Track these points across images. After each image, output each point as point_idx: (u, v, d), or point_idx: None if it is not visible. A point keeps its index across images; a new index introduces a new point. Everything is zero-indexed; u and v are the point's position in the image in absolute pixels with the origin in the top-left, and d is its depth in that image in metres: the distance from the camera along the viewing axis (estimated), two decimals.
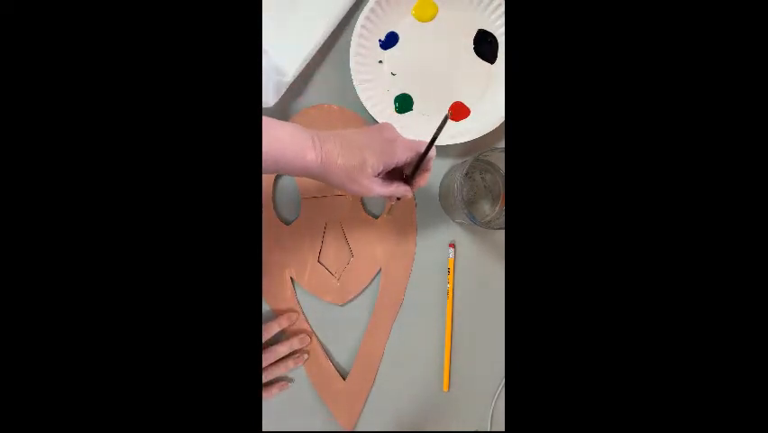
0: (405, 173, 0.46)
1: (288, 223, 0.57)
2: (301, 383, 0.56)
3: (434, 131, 0.41)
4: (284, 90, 0.54)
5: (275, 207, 0.57)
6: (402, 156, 0.43)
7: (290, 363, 0.55)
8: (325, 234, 0.56)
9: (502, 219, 0.51)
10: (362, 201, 0.57)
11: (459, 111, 0.57)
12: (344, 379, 0.56)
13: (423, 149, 0.43)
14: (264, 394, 0.54)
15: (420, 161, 0.43)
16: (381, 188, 0.43)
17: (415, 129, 0.54)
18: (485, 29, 0.57)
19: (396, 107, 0.56)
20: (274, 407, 0.56)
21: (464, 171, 0.47)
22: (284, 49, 0.53)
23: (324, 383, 0.56)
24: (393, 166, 0.43)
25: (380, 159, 0.42)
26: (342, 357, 0.57)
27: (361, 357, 0.56)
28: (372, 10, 0.54)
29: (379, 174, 0.43)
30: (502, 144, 0.57)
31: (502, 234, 0.57)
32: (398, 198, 0.49)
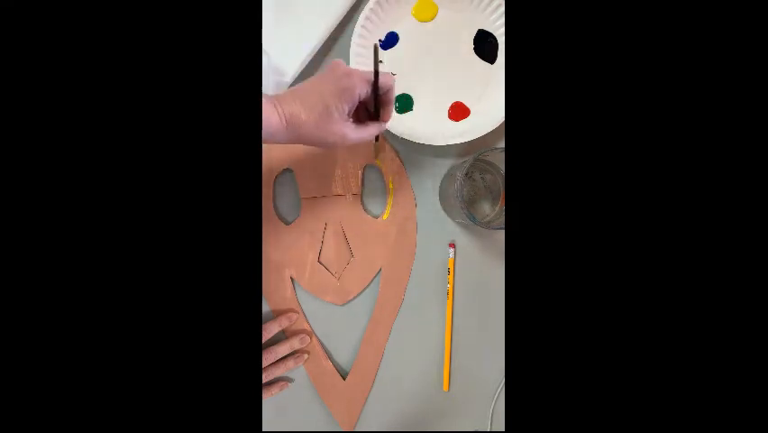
0: (369, 110, 0.46)
1: (287, 223, 0.57)
2: (301, 383, 0.56)
3: (373, 59, 0.41)
4: (284, 90, 0.54)
5: (275, 207, 0.57)
6: (362, 87, 0.42)
7: (290, 363, 0.55)
8: (325, 234, 0.56)
9: (502, 219, 0.51)
10: (362, 201, 0.57)
11: (459, 111, 0.57)
12: (344, 379, 0.56)
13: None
14: (264, 394, 0.54)
15: (375, 92, 0.43)
16: (356, 133, 0.43)
17: (415, 129, 0.54)
18: (485, 29, 0.57)
19: (396, 107, 0.56)
20: (274, 407, 0.56)
21: (464, 171, 0.47)
22: (284, 49, 0.53)
23: (324, 383, 0.56)
24: (356, 101, 0.42)
25: (341, 98, 0.41)
26: (342, 357, 0.57)
27: (361, 357, 0.56)
28: (372, 10, 0.54)
29: (348, 115, 0.42)
30: (502, 144, 0.57)
31: (502, 234, 0.57)
32: (376, 139, 0.49)
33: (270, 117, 0.40)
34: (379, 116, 0.46)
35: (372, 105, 0.45)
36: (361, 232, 0.56)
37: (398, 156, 0.57)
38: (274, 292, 0.56)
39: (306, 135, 0.42)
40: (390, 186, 0.56)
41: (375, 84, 0.42)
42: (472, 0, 0.56)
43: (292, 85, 0.55)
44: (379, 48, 0.40)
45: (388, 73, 0.44)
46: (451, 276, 0.56)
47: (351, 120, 0.43)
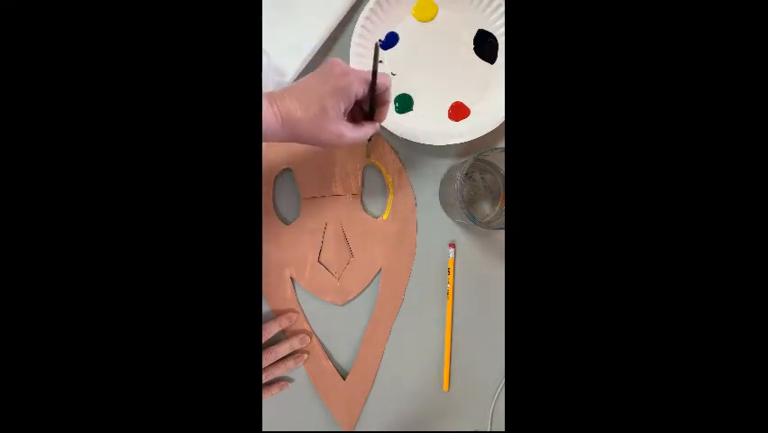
0: (364, 109, 0.45)
1: (287, 223, 0.57)
2: (301, 383, 0.56)
3: (372, 60, 0.41)
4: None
5: (275, 207, 0.57)
6: (359, 87, 0.42)
7: (290, 363, 0.55)
8: (325, 234, 0.56)
9: (502, 219, 0.51)
10: (362, 201, 0.57)
11: (459, 111, 0.57)
12: (344, 379, 0.56)
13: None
14: (264, 394, 0.54)
15: (372, 92, 0.43)
16: (352, 132, 0.43)
17: (415, 129, 0.54)
18: (485, 29, 0.57)
19: (396, 107, 0.56)
20: (274, 407, 0.56)
21: (464, 171, 0.47)
22: (284, 49, 0.53)
23: (324, 383, 0.56)
24: (353, 100, 0.42)
25: (338, 97, 0.41)
26: (342, 357, 0.57)
27: (361, 357, 0.56)
28: (372, 10, 0.54)
29: (344, 114, 0.42)
30: (502, 144, 0.57)
31: (502, 234, 0.57)
32: (370, 139, 0.48)
33: (266, 115, 0.40)
34: (374, 116, 0.45)
35: (365, 104, 0.45)
36: (361, 232, 0.56)
37: (398, 156, 0.57)
38: (274, 292, 0.56)
39: (302, 133, 0.41)
40: (390, 186, 0.57)
41: (372, 84, 0.42)
42: (472, 0, 0.56)
43: None
44: (380, 48, 0.40)
45: (385, 74, 0.43)
46: (451, 276, 0.56)
47: (346, 119, 0.43)
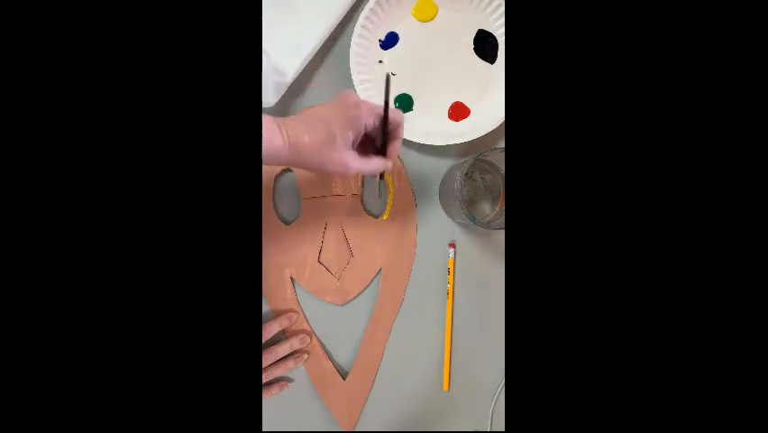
0: (377, 145, 0.45)
1: (287, 223, 0.57)
2: (301, 383, 0.56)
3: (384, 93, 0.40)
4: (284, 90, 0.54)
5: (275, 207, 0.57)
6: (369, 119, 0.42)
7: (290, 363, 0.55)
8: (325, 234, 0.56)
9: (502, 219, 0.51)
10: (362, 201, 0.57)
11: (459, 111, 0.57)
12: (344, 379, 0.56)
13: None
14: (264, 394, 0.54)
15: (384, 126, 0.42)
16: (358, 163, 0.42)
17: (415, 129, 0.54)
18: (485, 29, 0.57)
19: (396, 107, 0.56)
20: (274, 407, 0.56)
21: (464, 171, 0.47)
22: (284, 49, 0.53)
23: (324, 383, 0.56)
24: (362, 131, 0.42)
25: (347, 127, 0.41)
26: (342, 357, 0.57)
27: (361, 357, 0.56)
28: (372, 10, 0.54)
29: (353, 145, 0.42)
30: (502, 144, 0.57)
31: (502, 234, 0.57)
32: (381, 177, 0.47)
33: (274, 137, 0.40)
34: (385, 151, 0.45)
35: (379, 140, 0.44)
36: (361, 232, 0.56)
37: (399, 156, 0.57)
38: (274, 292, 0.56)
39: (308, 159, 0.41)
40: (390, 186, 0.57)
41: (384, 117, 0.42)
42: (472, 0, 0.56)
43: (292, 85, 0.55)
44: (391, 78, 0.39)
45: (398, 110, 0.43)
46: (451, 276, 0.56)
47: (355, 151, 0.43)
